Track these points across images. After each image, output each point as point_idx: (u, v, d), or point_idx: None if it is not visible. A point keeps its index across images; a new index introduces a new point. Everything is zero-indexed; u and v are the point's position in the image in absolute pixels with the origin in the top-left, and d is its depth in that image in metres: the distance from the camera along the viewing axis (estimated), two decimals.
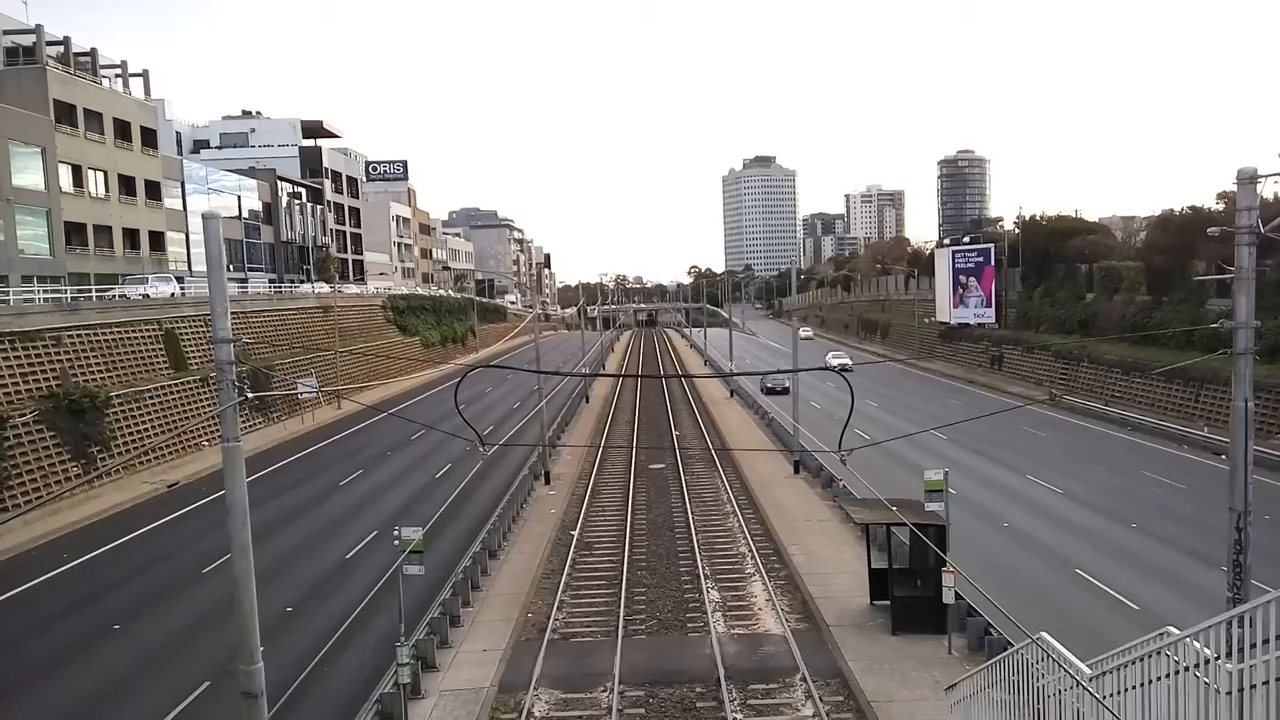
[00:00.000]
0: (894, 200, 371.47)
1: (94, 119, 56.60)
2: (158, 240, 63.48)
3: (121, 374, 43.92)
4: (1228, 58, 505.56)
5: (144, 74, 73.28)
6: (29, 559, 29.73)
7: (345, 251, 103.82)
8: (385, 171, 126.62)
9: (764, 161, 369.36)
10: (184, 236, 66.61)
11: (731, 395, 67.48)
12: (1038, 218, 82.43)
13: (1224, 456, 24.41)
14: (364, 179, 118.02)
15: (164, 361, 47.90)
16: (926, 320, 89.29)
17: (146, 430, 43.14)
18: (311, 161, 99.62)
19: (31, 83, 53.24)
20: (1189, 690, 8.45)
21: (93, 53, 66.18)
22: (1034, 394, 57.59)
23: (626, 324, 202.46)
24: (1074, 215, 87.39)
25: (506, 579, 26.06)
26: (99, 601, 25.65)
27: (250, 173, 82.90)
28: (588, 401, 66.42)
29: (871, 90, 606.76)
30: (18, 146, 49.47)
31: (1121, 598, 23.44)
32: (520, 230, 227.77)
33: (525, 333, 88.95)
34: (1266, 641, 7.38)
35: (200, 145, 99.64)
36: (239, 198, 77.92)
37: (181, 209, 66.70)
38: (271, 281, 79.44)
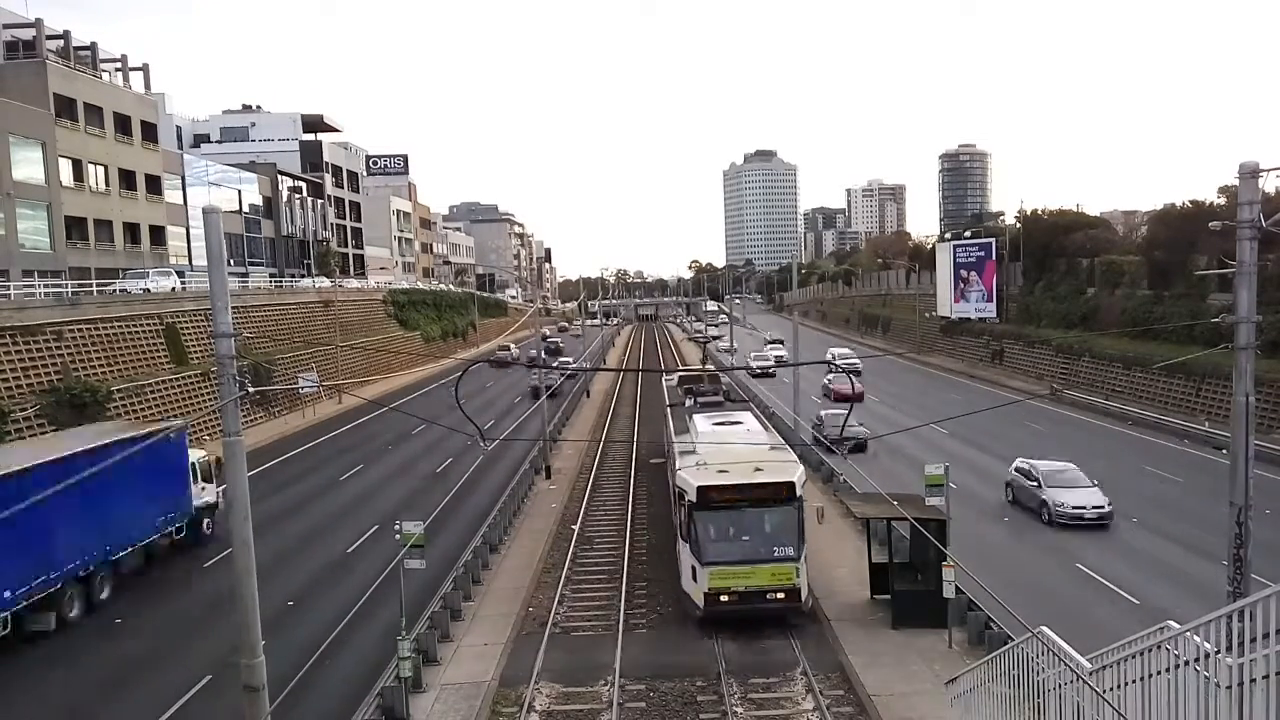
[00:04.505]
0: (895, 195, 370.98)
1: (94, 113, 56.56)
2: (158, 235, 63.46)
3: (122, 368, 43.93)
4: (1229, 51, 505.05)
5: (144, 68, 73.23)
6: None
7: (346, 246, 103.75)
8: (386, 166, 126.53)
9: (765, 155, 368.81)
10: (184, 231, 66.60)
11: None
12: (1039, 212, 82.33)
13: (1225, 451, 24.43)
14: (364, 173, 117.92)
15: (165, 356, 47.90)
16: (928, 315, 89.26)
17: (147, 424, 43.14)
18: (312, 155, 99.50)
19: (32, 76, 53.24)
20: (1189, 684, 8.46)
21: (93, 47, 66.11)
22: (1035, 389, 57.58)
23: (627, 318, 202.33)
24: (1075, 209, 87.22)
25: (507, 573, 26.09)
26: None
27: (251, 167, 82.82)
28: (588, 396, 66.42)
29: (872, 84, 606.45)
30: (18, 140, 49.45)
31: (1122, 592, 23.47)
32: (521, 225, 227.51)
33: (526, 327, 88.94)
34: (1266, 636, 7.38)
35: (200, 139, 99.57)
36: (239, 192, 77.86)
37: (182, 203, 66.69)
38: (272, 276, 79.38)
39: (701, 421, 28.31)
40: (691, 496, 21.45)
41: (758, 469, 22.22)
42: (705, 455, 23.45)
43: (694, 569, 21.27)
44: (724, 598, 20.76)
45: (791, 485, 21.46)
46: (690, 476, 22.08)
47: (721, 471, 22.13)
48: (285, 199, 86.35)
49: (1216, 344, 23.18)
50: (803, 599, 21.03)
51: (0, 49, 59.44)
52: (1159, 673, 9.10)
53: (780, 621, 21.25)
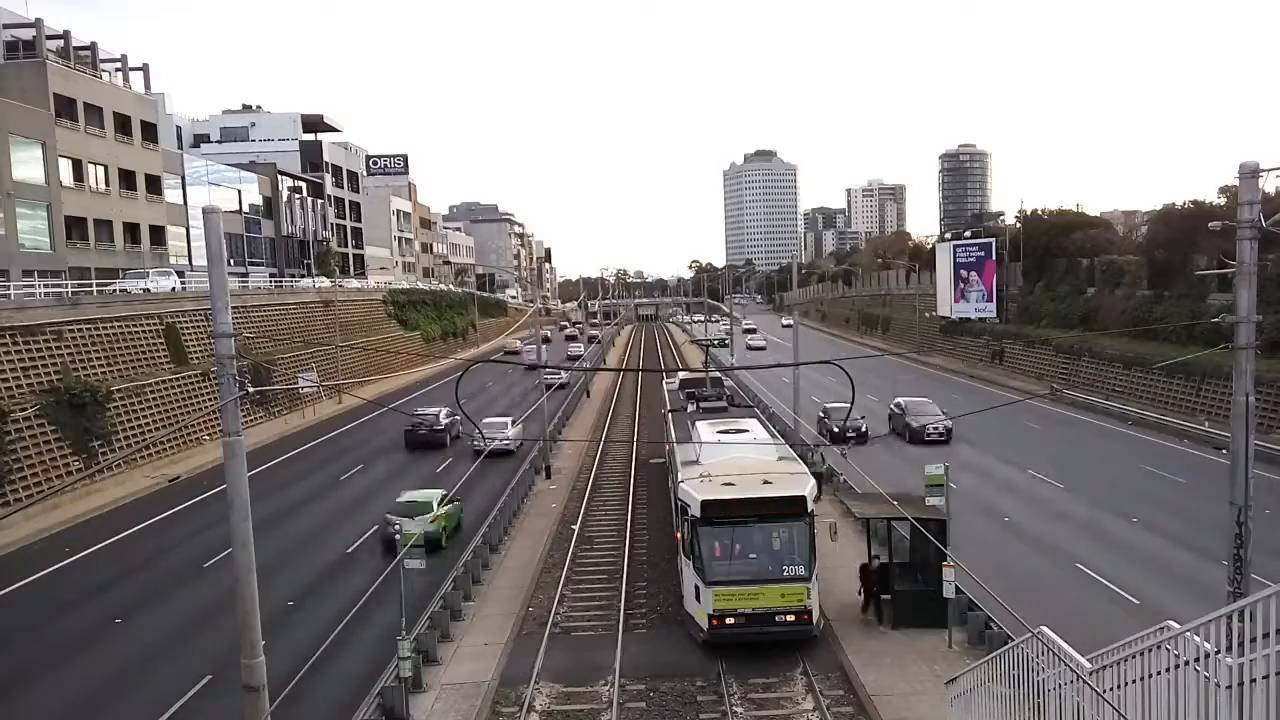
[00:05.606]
0: (895, 194, 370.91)
1: (94, 113, 56.51)
2: (158, 235, 63.42)
3: (122, 368, 43.90)
4: (1230, 51, 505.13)
5: (144, 68, 73.08)
6: (30, 553, 29.75)
7: (346, 246, 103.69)
8: (386, 165, 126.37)
9: (765, 155, 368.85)
10: (184, 231, 66.53)
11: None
12: (1039, 212, 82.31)
13: (1225, 451, 24.42)
14: (364, 173, 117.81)
15: (165, 356, 47.88)
16: (928, 315, 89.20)
17: (147, 424, 43.14)
18: (312, 155, 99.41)
19: (32, 76, 53.19)
20: (1189, 684, 8.45)
21: (93, 46, 66.02)
22: (1035, 389, 57.54)
23: (627, 318, 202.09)
24: (1075, 209, 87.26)
25: (507, 573, 26.10)
26: (101, 595, 25.68)
27: (251, 167, 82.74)
28: (588, 396, 66.40)
29: (873, 84, 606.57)
30: (18, 140, 49.42)
31: (1122, 592, 23.46)
32: (521, 224, 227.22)
33: (526, 327, 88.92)
34: (1267, 636, 7.37)
35: (201, 139, 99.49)
36: (239, 192, 77.81)
37: (182, 203, 66.64)
38: (272, 276, 79.34)
39: (705, 429, 27.45)
40: (695, 510, 20.22)
41: (766, 481, 21.09)
42: (709, 466, 22.39)
43: (697, 589, 20.08)
44: (730, 620, 19.55)
45: (802, 499, 20.22)
46: (693, 489, 20.83)
47: (727, 484, 20.90)
48: (285, 199, 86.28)
49: (1216, 344, 23.18)
50: (814, 621, 19.96)
51: (0, 49, 59.40)
52: (1159, 673, 9.09)
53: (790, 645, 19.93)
